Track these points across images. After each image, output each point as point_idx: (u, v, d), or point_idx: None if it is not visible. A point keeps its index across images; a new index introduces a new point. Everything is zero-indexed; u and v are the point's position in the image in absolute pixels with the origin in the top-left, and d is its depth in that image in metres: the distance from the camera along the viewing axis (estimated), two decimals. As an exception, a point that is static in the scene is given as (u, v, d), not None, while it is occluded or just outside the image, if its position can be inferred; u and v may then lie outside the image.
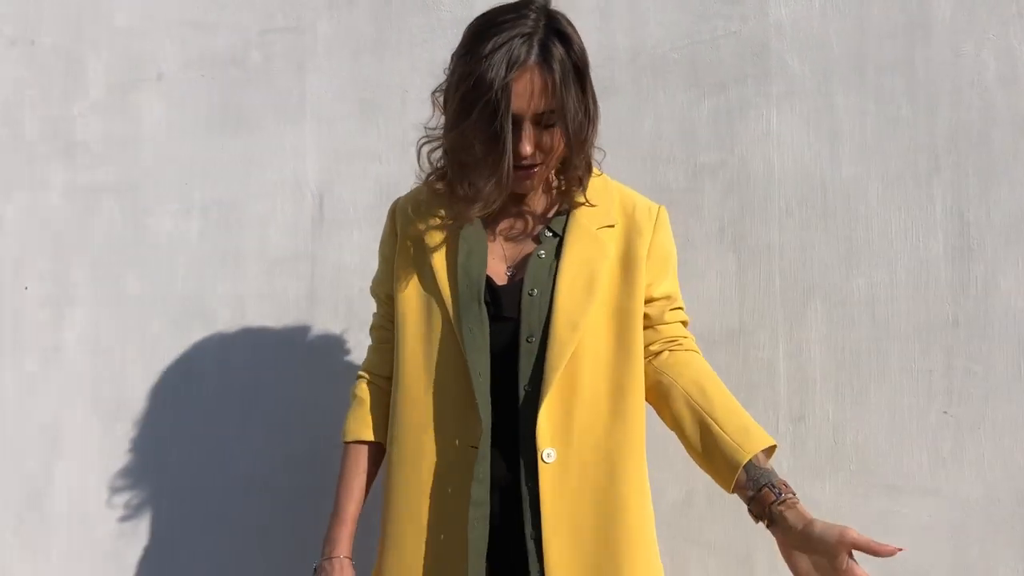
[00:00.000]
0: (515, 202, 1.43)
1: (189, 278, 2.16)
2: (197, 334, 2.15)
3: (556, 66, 1.26)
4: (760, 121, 1.84)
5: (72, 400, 2.19)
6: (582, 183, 1.40)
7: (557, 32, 1.29)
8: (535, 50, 1.26)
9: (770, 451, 1.34)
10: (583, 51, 1.31)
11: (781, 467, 1.72)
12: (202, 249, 2.16)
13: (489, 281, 1.36)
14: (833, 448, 1.77)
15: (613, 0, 1.93)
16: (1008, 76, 1.74)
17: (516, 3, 1.32)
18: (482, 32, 1.28)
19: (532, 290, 1.34)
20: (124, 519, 2.14)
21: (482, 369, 1.32)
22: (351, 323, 2.07)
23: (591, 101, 1.32)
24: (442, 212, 1.41)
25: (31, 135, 2.25)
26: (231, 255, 2.15)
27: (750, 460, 1.28)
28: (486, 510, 1.30)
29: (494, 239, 1.42)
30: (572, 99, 1.28)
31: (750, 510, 1.30)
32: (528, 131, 1.29)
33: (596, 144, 1.39)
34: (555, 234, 1.39)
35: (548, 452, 1.29)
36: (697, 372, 1.38)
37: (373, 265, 2.05)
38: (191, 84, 2.19)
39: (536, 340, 1.32)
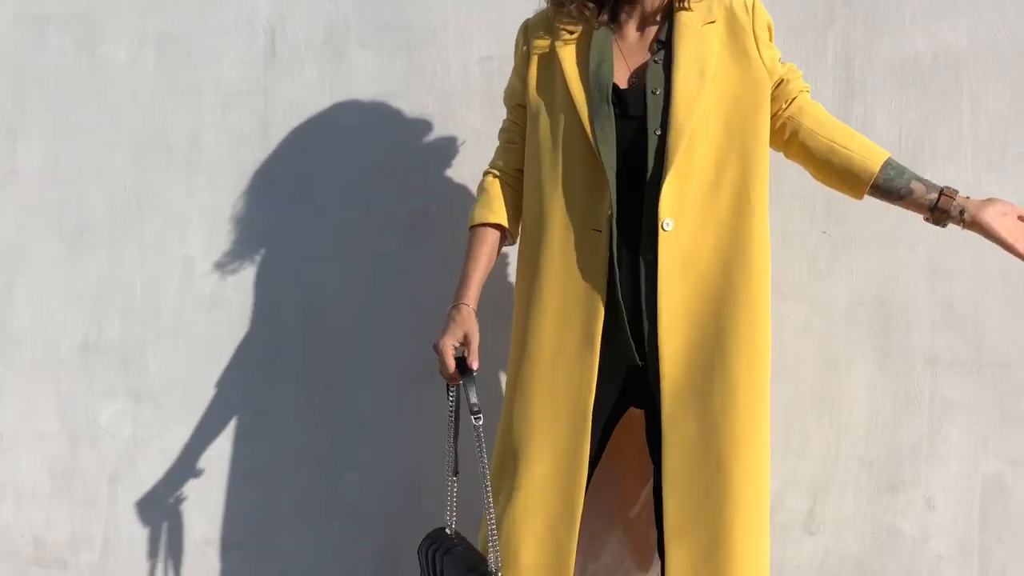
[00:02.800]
0: (633, 13, 1.64)
1: (145, 109, 2.28)
2: (154, 164, 2.29)
3: None
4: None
5: (33, 224, 2.31)
6: None
7: None
8: None
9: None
10: None
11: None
12: (157, 82, 2.27)
13: (615, 86, 1.59)
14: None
15: None
16: (895, -61, 2.01)
17: None
18: None
19: (655, 90, 1.58)
20: (87, 338, 2.31)
21: (610, 161, 1.57)
22: (304, 154, 2.24)
23: None
24: (569, 27, 1.64)
25: (-22, -38, 2.28)
26: (186, 88, 2.27)
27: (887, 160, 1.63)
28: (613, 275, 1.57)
29: (620, 53, 1.64)
30: None
31: (929, 214, 1.65)
32: None
33: None
34: (666, 40, 1.62)
35: (667, 221, 1.55)
36: (816, 110, 1.67)
37: (325, 101, 2.23)
38: (141, -82, 2.25)
39: (660, 133, 1.56)
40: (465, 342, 1.61)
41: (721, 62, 1.58)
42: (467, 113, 2.17)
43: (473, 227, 1.72)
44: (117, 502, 2.32)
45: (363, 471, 2.24)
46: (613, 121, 1.58)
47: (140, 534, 2.31)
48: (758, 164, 1.58)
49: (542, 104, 1.65)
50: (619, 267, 1.58)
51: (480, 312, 1.68)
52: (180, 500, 2.29)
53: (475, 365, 1.60)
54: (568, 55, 1.63)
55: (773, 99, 1.63)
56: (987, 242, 1.98)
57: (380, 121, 2.20)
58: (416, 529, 2.19)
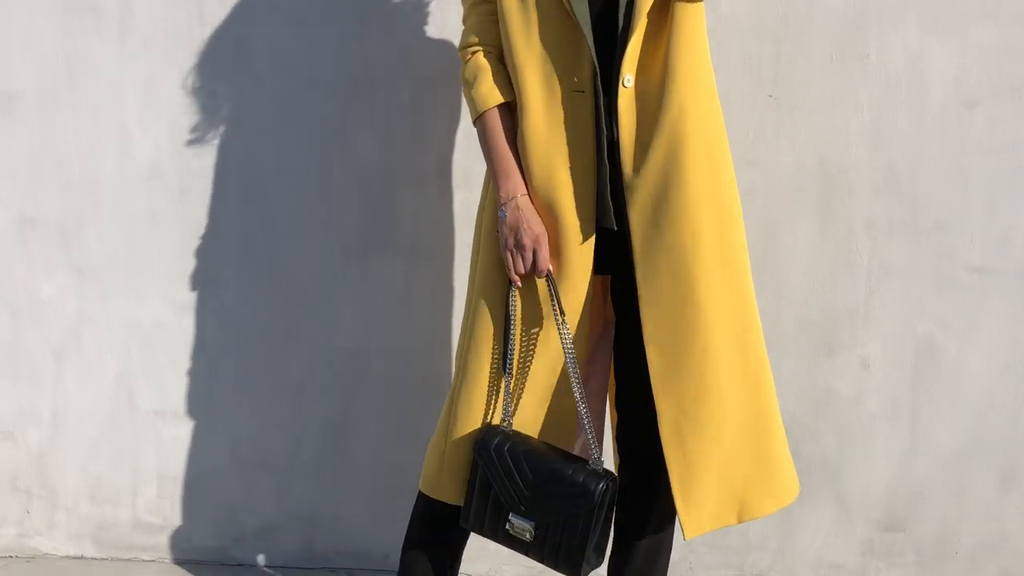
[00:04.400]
0: None
1: (71, -31, 2.17)
2: (85, 28, 2.18)
3: None
4: None
5: (-43, 91, 2.22)
6: None
7: None
8: None
9: None
10: None
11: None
12: (82, -61, 2.16)
13: None
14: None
15: None
16: None
17: None
18: None
19: None
20: (23, 212, 2.25)
21: (584, 18, 1.51)
22: (240, 18, 2.15)
23: None
24: None
25: None
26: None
27: None
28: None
29: None
30: None
31: None
32: None
33: None
34: None
35: (627, 77, 1.52)
36: None
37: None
38: None
39: None
40: (537, 243, 1.56)
41: None
42: (410, -26, 2.10)
43: (484, 112, 1.63)
44: (63, 377, 2.30)
45: (307, 343, 2.24)
46: None
47: (88, 408, 2.30)
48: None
49: None
50: (605, 128, 1.55)
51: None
52: (127, 373, 2.28)
53: (552, 267, 1.57)
54: None
55: None
56: (928, 107, 2.01)
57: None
58: (362, 401, 2.24)
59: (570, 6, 1.52)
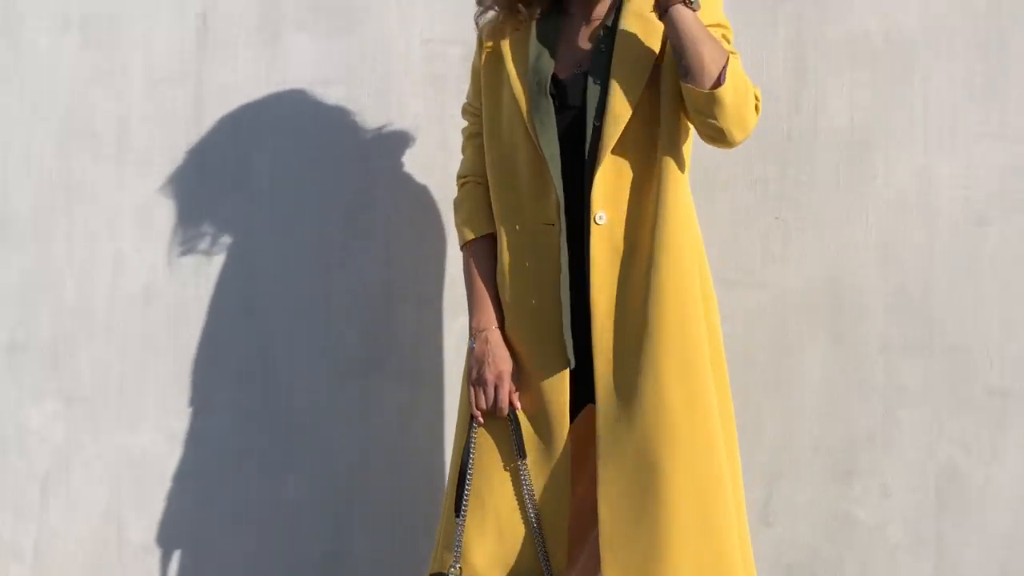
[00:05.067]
0: (581, 5, 1.58)
1: (70, 95, 2.17)
2: (81, 153, 2.17)
3: None
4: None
5: (-49, 217, 2.19)
6: None
7: None
8: None
9: None
10: None
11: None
12: (82, 65, 2.16)
13: (555, 77, 1.52)
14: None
15: None
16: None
17: None
18: None
19: (596, 79, 1.50)
20: (13, 338, 2.20)
21: (553, 153, 1.50)
22: (239, 141, 2.14)
23: None
24: (514, 23, 1.57)
25: None
26: (113, 73, 2.16)
27: None
28: (568, 276, 1.50)
29: (564, 42, 1.57)
30: None
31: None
32: None
33: None
34: (612, 27, 1.54)
35: (600, 215, 1.48)
36: None
37: (261, 86, 2.14)
38: None
39: (598, 124, 1.49)
40: (499, 379, 1.52)
41: (665, 49, 1.51)
42: (409, 97, 2.10)
43: (467, 243, 1.64)
44: (49, 510, 2.21)
45: (304, 471, 2.16)
46: (552, 114, 1.51)
47: (74, 543, 2.20)
48: (678, 139, 1.51)
49: (490, 103, 1.60)
50: (570, 262, 1.51)
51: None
52: (116, 505, 2.19)
53: (518, 404, 1.53)
54: (511, 50, 1.58)
55: None
56: (938, 226, 1.97)
57: (318, 106, 2.11)
58: (358, 530, 2.14)
59: (537, 140, 1.50)
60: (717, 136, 1.48)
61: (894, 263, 1.99)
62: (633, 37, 1.51)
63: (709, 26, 1.47)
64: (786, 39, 2.00)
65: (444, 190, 2.07)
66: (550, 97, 1.52)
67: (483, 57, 1.64)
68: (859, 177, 1.99)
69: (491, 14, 1.60)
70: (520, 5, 1.56)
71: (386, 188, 2.11)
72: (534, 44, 1.56)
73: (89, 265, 2.18)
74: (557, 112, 1.52)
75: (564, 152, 1.51)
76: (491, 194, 1.60)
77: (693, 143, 1.57)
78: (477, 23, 1.62)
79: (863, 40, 1.98)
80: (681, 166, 1.52)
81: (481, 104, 1.64)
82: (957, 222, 1.98)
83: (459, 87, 2.06)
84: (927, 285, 1.99)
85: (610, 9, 1.57)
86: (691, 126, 1.53)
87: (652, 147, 1.50)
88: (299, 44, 2.12)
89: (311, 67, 2.12)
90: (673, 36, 1.42)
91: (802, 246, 2.01)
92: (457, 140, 1.86)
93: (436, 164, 2.09)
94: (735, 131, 1.46)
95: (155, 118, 2.15)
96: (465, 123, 1.72)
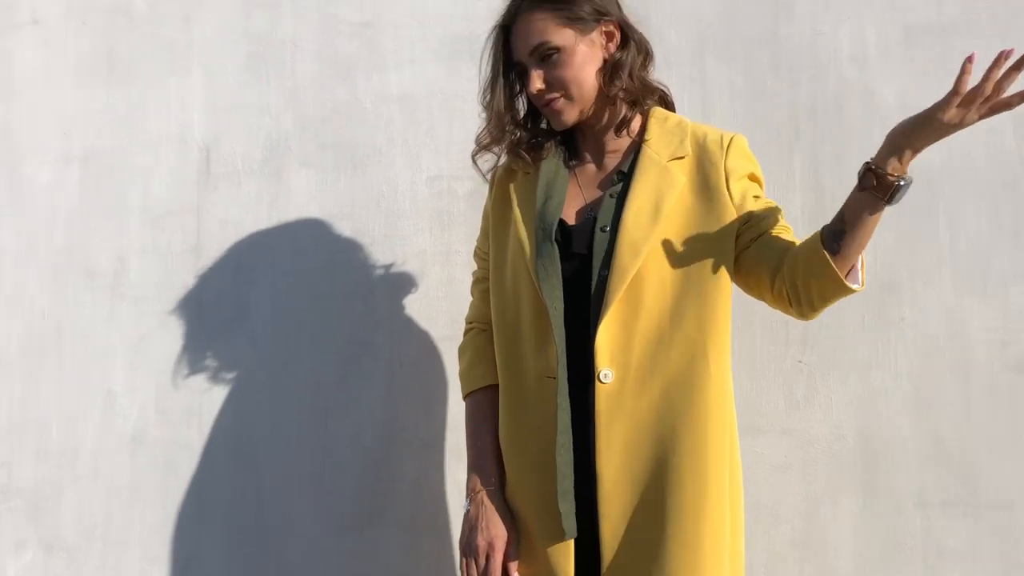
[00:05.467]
0: (594, 146, 1.52)
1: (68, 230, 2.11)
2: (76, 289, 2.11)
3: (544, 4, 1.42)
4: (639, 88, 1.96)
5: (-61, 355, 2.11)
6: (636, 104, 1.49)
7: None
8: (524, 2, 1.44)
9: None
10: None
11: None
12: (82, 201, 2.12)
13: (562, 223, 1.45)
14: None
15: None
16: (860, 56, 1.92)
17: None
18: None
19: (604, 227, 1.42)
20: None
21: (556, 303, 1.40)
22: (238, 279, 2.07)
23: (588, 18, 1.44)
24: (525, 167, 1.52)
25: None
26: (112, 208, 2.11)
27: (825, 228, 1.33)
28: (570, 436, 1.37)
29: (575, 184, 1.51)
30: (560, 23, 1.42)
31: (874, 191, 1.27)
32: (534, 71, 1.44)
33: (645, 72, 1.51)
34: (628, 172, 1.47)
35: (605, 373, 1.37)
36: (783, 246, 1.40)
37: (263, 222, 2.08)
38: (71, 31, 2.13)
39: (604, 273, 1.40)
40: (491, 547, 1.40)
41: (682, 199, 1.42)
42: (415, 235, 2.02)
43: (468, 394, 1.55)
44: (21, 669, 2.05)
45: (297, 633, 2.00)
46: (557, 261, 1.42)
47: None
48: (717, 314, 1.39)
49: (497, 248, 1.53)
50: (577, 419, 1.39)
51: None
52: (92, 667, 2.03)
53: (515, 574, 1.41)
54: (519, 193, 1.52)
55: (738, 237, 1.43)
56: (973, 373, 1.85)
57: (322, 244, 2.04)
58: None
59: (539, 286, 1.41)
60: (795, 309, 1.40)
61: (927, 411, 1.86)
62: (649, 186, 1.43)
63: (757, 213, 1.42)
64: (803, 177, 1.93)
65: (448, 330, 1.98)
66: (555, 243, 1.44)
67: (492, 200, 1.57)
68: (885, 319, 1.89)
69: (491, 156, 1.54)
70: (521, 150, 1.50)
71: (389, 330, 2.02)
72: (543, 188, 1.49)
73: (77, 406, 2.08)
74: (562, 259, 1.43)
75: (570, 302, 1.42)
76: (495, 342, 1.51)
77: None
78: (475, 162, 1.54)
79: (884, 177, 1.91)
80: (713, 329, 1.39)
81: (489, 248, 1.57)
82: (994, 368, 1.86)
83: (466, 224, 2.00)
84: (964, 437, 1.85)
85: (627, 154, 1.50)
86: (731, 286, 1.43)
87: (669, 303, 1.39)
88: (303, 180, 2.07)
89: (315, 204, 2.06)
90: (858, 217, 1.29)
91: (828, 392, 1.89)
92: (463, 278, 1.78)
93: (440, 304, 2.00)
94: (814, 316, 1.41)
95: (153, 253, 2.09)
96: (475, 266, 1.65)
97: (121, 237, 2.10)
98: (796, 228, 1.88)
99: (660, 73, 1.94)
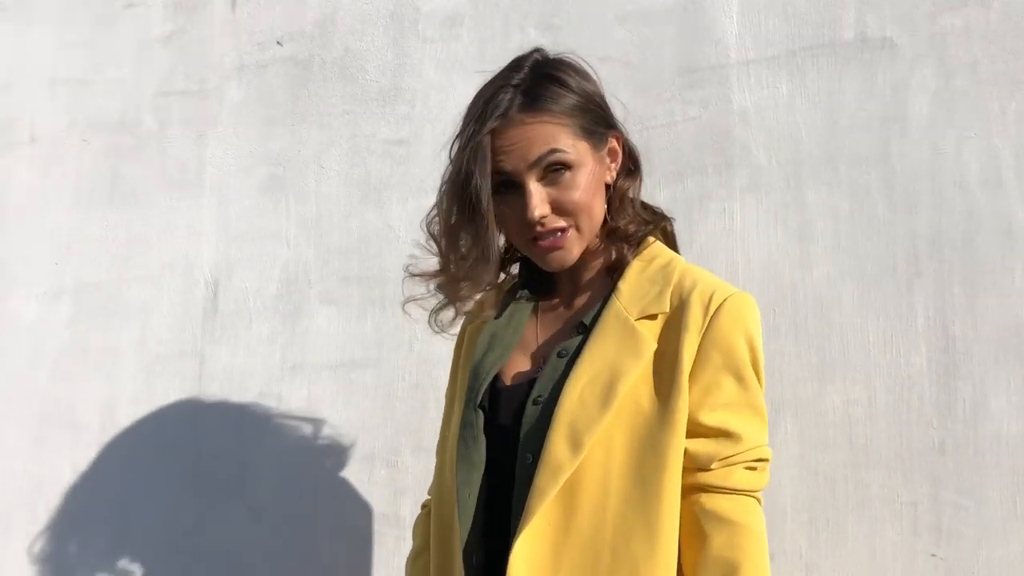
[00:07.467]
0: (571, 283, 1.19)
1: (53, 375, 1.89)
2: (60, 443, 1.86)
3: (550, 105, 1.07)
4: (723, 216, 1.65)
5: None
6: (632, 238, 1.16)
7: (548, 76, 1.10)
8: (519, 99, 1.08)
9: None
10: (587, 91, 1.12)
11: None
12: (70, 341, 1.89)
13: (496, 381, 1.14)
14: (807, 594, 1.53)
15: (560, 76, 1.75)
16: (992, 179, 1.59)
17: (512, 61, 1.14)
18: (472, 102, 1.11)
19: (539, 397, 1.08)
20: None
21: (467, 492, 1.08)
22: (243, 433, 1.78)
23: (600, 131, 1.12)
24: (488, 308, 1.22)
25: None
26: (104, 349, 1.87)
27: None
28: None
29: (533, 328, 1.18)
30: (574, 133, 1.08)
31: None
32: (534, 189, 1.08)
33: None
34: (588, 325, 1.14)
35: None
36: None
37: (275, 369, 1.80)
38: (72, 150, 1.93)
39: (530, 460, 1.05)
40: None
41: (645, 380, 1.07)
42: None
43: None
44: None
45: None
46: (481, 436, 1.09)
47: None
48: (676, 537, 1.04)
49: (446, 406, 1.27)
50: None
51: None
52: None
53: None
54: (471, 338, 1.22)
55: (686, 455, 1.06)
56: None
57: (341, 396, 1.75)
58: None
59: (455, 464, 1.11)
60: None
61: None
62: (605, 354, 1.08)
63: (709, 429, 1.07)
64: (927, 321, 1.58)
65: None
66: (477, 410, 1.11)
67: (457, 341, 1.28)
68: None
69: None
70: (462, 283, 1.13)
71: (416, 495, 1.67)
72: (488, 333, 1.18)
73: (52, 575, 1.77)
74: (488, 432, 1.10)
75: (492, 490, 1.08)
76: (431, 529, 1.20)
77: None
78: (431, 324, 1.20)
79: (1025, 322, 1.56)
80: (668, 555, 1.03)
81: None
82: None
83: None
84: None
85: (596, 297, 1.16)
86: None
87: (611, 519, 1.03)
88: (324, 320, 1.78)
89: (336, 348, 1.77)
90: None
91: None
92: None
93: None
94: None
95: (146, 403, 1.85)
96: None
97: (111, 383, 1.86)
98: (922, 388, 1.54)
99: (747, 197, 1.65)
